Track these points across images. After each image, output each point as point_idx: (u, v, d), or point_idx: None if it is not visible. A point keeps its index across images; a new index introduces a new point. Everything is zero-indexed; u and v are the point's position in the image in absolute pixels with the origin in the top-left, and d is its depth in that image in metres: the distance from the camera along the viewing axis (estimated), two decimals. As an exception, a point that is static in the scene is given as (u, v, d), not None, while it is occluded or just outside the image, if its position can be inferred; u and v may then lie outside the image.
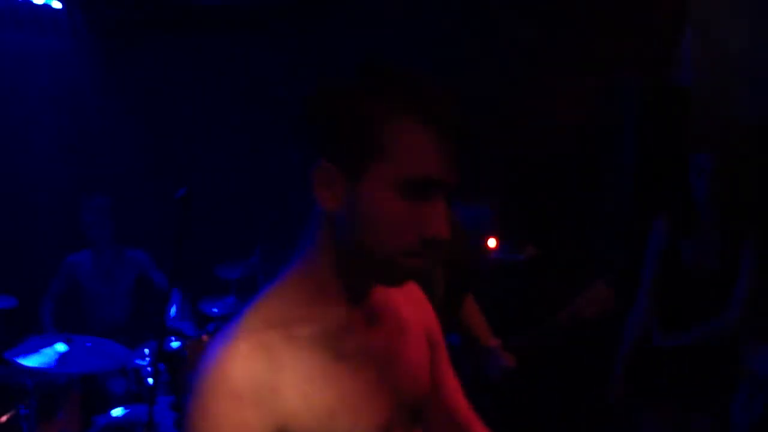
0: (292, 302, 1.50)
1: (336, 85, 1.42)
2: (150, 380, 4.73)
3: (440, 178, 1.40)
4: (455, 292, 3.37)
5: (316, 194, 1.44)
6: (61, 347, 4.29)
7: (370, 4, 5.93)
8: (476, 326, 3.50)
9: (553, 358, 4.80)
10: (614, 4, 5.19)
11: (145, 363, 4.81)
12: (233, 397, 1.36)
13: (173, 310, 5.16)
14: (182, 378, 4.79)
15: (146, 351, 4.86)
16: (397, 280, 1.49)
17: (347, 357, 1.51)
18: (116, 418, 4.53)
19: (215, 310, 5.32)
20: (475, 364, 3.37)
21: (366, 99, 1.38)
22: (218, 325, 5.16)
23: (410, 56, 5.71)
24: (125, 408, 4.63)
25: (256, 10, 6.17)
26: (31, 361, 4.15)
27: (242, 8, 6.16)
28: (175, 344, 4.84)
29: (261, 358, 1.40)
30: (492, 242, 5.27)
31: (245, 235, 5.51)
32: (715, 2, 4.91)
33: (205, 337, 5.02)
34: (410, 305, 1.73)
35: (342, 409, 1.47)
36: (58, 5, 5.98)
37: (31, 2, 5.77)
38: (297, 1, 6.09)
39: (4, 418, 4.38)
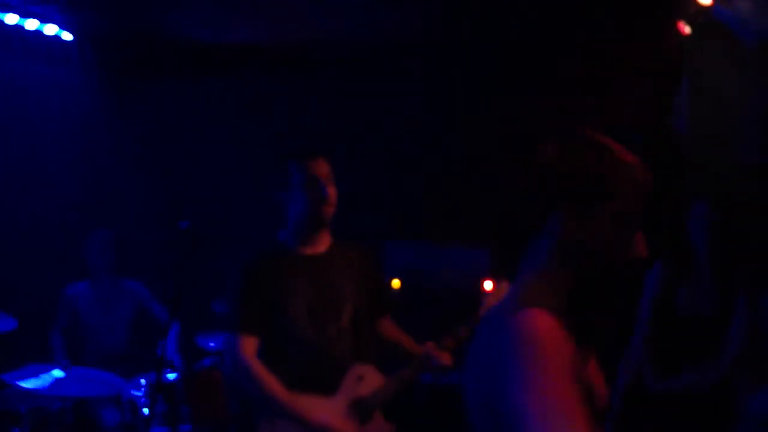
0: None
1: (574, 146, 1.87)
2: (145, 410, 4.75)
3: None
4: (376, 312, 3.66)
5: (562, 227, 1.83)
6: (57, 373, 4.33)
7: (381, 53, 6.04)
8: (403, 339, 3.75)
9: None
10: (615, 55, 5.28)
11: (140, 394, 4.82)
12: (557, 353, 1.66)
13: (168, 345, 5.17)
14: (178, 410, 4.80)
15: (142, 382, 4.87)
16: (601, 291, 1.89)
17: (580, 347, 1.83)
18: (110, 448, 4.54)
19: (212, 344, 5.32)
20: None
21: (603, 158, 1.84)
22: (214, 360, 5.18)
23: (415, 101, 5.84)
24: (119, 438, 4.65)
25: (265, 52, 6.25)
26: (27, 384, 4.18)
27: (251, 49, 6.24)
28: (171, 376, 4.86)
29: (560, 327, 1.72)
30: (488, 285, 5.31)
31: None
32: (710, 51, 5.00)
33: (201, 370, 5.03)
34: None
35: (595, 391, 1.85)
36: (69, 37, 6.05)
37: (42, 33, 5.84)
38: (305, 45, 6.17)
39: (-3, 442, 4.41)
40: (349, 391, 3.47)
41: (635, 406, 3.90)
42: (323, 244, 3.59)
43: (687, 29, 5.18)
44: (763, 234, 4.39)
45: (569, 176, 1.84)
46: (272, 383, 3.35)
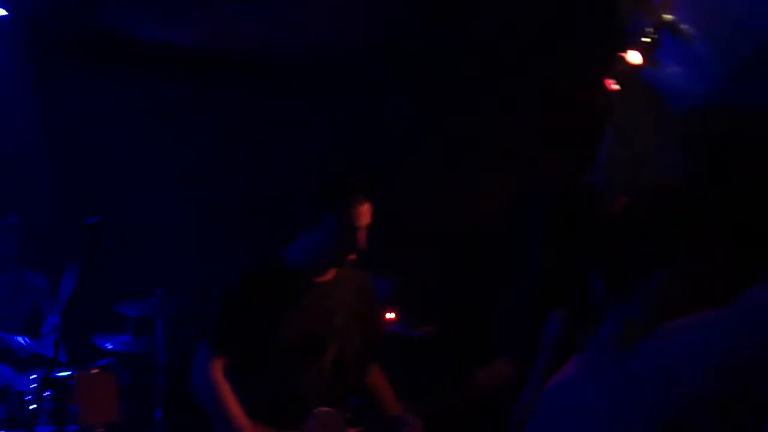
0: None
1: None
2: (32, 406, 4.65)
3: None
4: (363, 356, 3.54)
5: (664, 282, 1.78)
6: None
7: (303, 64, 6.08)
8: (384, 392, 3.63)
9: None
10: (541, 106, 5.38)
11: (31, 389, 4.71)
12: None
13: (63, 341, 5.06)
14: (67, 409, 4.70)
15: (33, 377, 4.77)
16: None
17: None
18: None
19: (109, 346, 5.21)
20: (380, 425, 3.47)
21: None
22: (109, 361, 5.08)
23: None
24: (2, 434, 4.53)
25: (195, 53, 6.22)
26: None
27: (180, 49, 6.20)
28: (63, 373, 4.76)
29: None
30: (391, 315, 5.38)
31: (149, 275, 5.48)
32: (636, 111, 5.13)
33: (95, 370, 4.93)
34: None
35: None
36: (2, 12, 5.91)
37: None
38: (233, 51, 6.15)
39: None
40: None
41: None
42: (331, 273, 3.44)
43: (615, 86, 5.30)
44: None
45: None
46: (234, 408, 3.22)
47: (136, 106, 6.38)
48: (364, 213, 3.27)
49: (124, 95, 6.37)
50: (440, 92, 5.81)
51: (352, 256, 3.32)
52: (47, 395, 4.59)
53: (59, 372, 4.74)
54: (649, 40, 5.03)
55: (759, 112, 4.13)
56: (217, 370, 3.27)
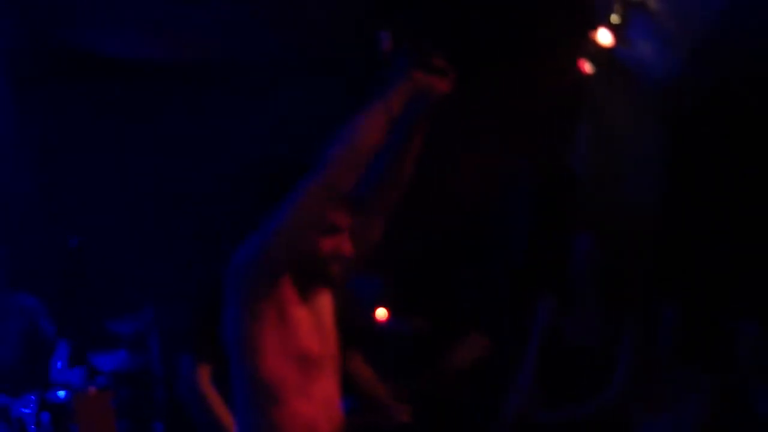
0: None
1: None
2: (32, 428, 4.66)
3: None
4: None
5: None
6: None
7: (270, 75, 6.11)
8: (371, 384, 3.59)
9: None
10: (516, 89, 5.39)
11: (29, 411, 4.71)
12: None
13: (59, 363, 5.07)
14: (67, 429, 4.71)
15: (32, 399, 4.78)
16: None
17: None
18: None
19: (105, 364, 5.22)
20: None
21: None
22: (107, 380, 5.09)
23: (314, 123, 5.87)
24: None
25: (161, 67, 6.21)
26: None
27: (154, 65, 6.20)
28: (61, 394, 4.77)
29: None
30: (381, 313, 5.35)
31: (139, 291, 5.46)
32: (611, 91, 5.16)
33: (92, 390, 4.94)
34: None
35: None
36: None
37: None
38: (197, 63, 6.15)
39: None
40: None
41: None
42: None
43: (589, 68, 5.32)
44: (645, 268, 4.54)
45: None
46: (225, 418, 3.15)
47: (115, 122, 6.37)
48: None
49: (103, 113, 6.36)
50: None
51: None
52: (46, 418, 4.61)
53: (58, 393, 4.76)
54: (618, 18, 5.08)
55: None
56: (204, 379, 3.23)
